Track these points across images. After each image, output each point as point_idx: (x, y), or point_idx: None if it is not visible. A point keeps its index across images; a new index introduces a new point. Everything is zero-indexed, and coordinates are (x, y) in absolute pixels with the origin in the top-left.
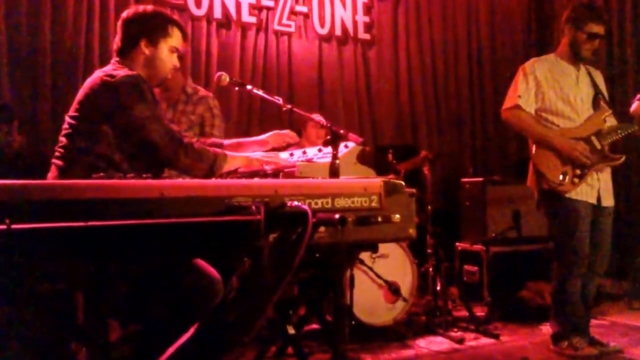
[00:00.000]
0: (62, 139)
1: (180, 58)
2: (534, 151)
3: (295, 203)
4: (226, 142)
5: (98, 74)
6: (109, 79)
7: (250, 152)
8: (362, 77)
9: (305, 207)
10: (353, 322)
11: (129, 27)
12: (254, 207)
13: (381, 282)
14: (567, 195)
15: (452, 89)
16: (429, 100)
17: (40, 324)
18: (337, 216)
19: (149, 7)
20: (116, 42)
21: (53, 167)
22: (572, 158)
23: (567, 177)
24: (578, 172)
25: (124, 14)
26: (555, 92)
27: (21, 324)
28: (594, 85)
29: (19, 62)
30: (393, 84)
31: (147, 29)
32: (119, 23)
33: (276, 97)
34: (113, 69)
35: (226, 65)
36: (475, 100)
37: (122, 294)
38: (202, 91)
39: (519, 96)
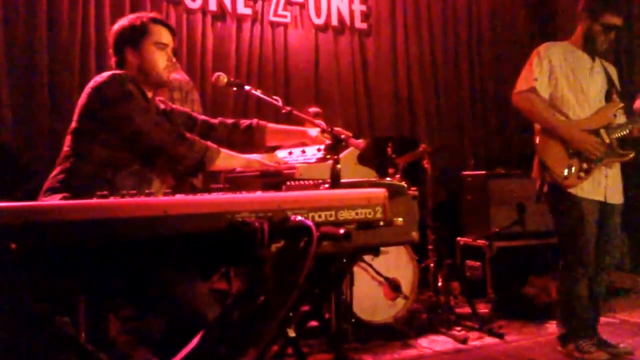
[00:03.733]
0: (65, 148)
1: (174, 52)
2: (539, 141)
3: (299, 218)
4: (270, 125)
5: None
6: (97, 80)
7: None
8: (359, 67)
9: (309, 222)
10: (353, 320)
11: (113, 43)
12: (257, 224)
13: (381, 279)
14: (571, 190)
15: (451, 79)
16: (428, 91)
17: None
18: (341, 231)
19: (127, 18)
20: (112, 61)
21: (55, 171)
22: (581, 150)
23: (573, 171)
24: (585, 166)
25: (109, 34)
26: (567, 80)
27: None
28: (608, 78)
29: (15, 62)
30: (391, 74)
31: (126, 36)
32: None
33: (274, 98)
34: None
35: (222, 58)
36: (476, 89)
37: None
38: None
39: (535, 79)
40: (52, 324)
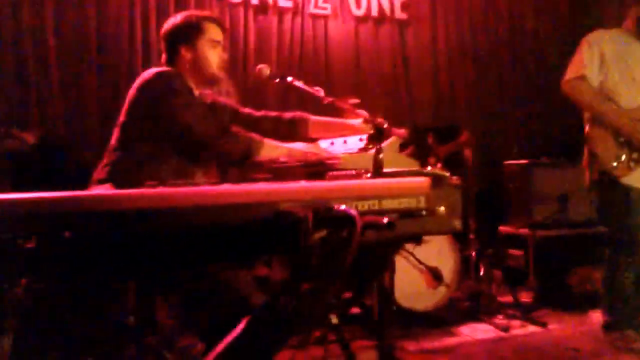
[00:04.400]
0: (112, 141)
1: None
2: (588, 130)
3: (343, 207)
4: (313, 117)
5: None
6: (144, 76)
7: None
8: (399, 58)
9: (353, 211)
10: (395, 308)
11: (166, 40)
12: (301, 213)
13: (423, 267)
14: (622, 180)
15: (493, 67)
16: (469, 79)
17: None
18: (385, 220)
19: (180, 15)
20: (162, 57)
21: (103, 162)
22: (632, 140)
23: (623, 160)
24: (635, 156)
25: (161, 31)
26: (619, 68)
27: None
28: None
29: (65, 61)
30: (431, 63)
31: (181, 34)
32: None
33: (316, 88)
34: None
35: (263, 51)
36: (518, 77)
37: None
38: None
39: (585, 67)
40: (104, 310)
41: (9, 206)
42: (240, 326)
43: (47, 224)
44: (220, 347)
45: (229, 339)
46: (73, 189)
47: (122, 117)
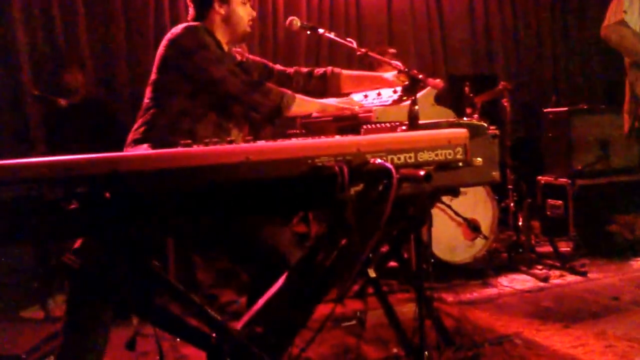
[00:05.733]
0: (146, 100)
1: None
2: (630, 75)
3: (378, 160)
4: (345, 72)
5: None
6: (173, 31)
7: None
8: (433, 5)
9: (389, 165)
10: (432, 261)
11: None
12: (337, 168)
13: (460, 219)
14: None
15: (531, 12)
16: (507, 26)
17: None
18: (422, 173)
19: None
20: (190, 13)
21: (137, 123)
22: None
23: None
24: None
25: None
26: None
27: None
28: None
29: (94, 21)
30: (467, 9)
31: None
32: None
33: (348, 40)
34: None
35: (292, 4)
36: (557, 22)
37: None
38: None
39: (625, 11)
40: (147, 267)
41: (49, 168)
42: (280, 282)
43: (87, 185)
44: (260, 302)
45: (268, 294)
46: (106, 151)
47: (153, 75)
